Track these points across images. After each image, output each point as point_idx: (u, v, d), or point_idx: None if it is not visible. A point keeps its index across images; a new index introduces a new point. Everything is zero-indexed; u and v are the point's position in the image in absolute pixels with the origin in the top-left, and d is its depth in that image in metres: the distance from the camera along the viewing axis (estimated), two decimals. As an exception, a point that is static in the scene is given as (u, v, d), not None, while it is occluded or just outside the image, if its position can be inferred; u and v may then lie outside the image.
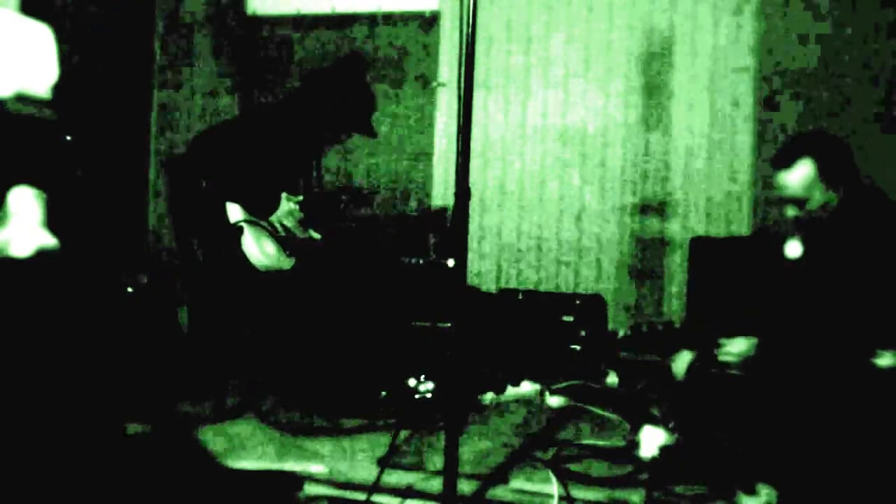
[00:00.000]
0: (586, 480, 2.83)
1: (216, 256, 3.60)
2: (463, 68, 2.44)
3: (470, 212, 2.48)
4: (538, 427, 3.51)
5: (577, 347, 4.22)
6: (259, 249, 3.62)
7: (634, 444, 2.98)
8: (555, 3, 5.12)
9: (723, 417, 2.94)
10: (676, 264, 4.93)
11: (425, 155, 5.40)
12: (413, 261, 4.30)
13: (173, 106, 5.77)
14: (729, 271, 4.27)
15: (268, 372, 3.74)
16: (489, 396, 3.89)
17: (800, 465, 2.63)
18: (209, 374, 3.66)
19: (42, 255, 2.84)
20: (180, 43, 5.75)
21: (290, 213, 3.74)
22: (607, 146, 5.07)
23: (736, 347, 2.95)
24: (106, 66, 5.28)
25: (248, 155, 3.64)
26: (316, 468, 2.93)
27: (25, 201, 2.87)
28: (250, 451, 3.08)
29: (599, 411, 3.66)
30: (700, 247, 4.58)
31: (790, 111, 4.74)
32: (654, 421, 3.03)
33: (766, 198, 4.71)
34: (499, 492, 2.78)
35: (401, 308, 3.96)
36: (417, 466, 2.93)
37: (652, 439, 2.95)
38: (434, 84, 5.31)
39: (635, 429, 3.03)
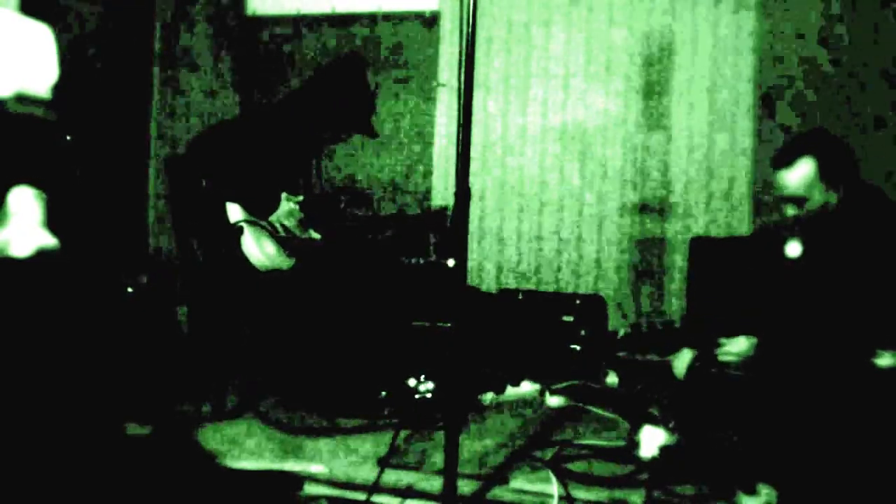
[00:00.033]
0: (586, 480, 2.83)
1: (216, 256, 3.60)
2: (463, 68, 2.44)
3: (470, 212, 2.48)
4: (538, 427, 3.51)
5: (577, 347, 4.22)
6: (259, 249, 3.62)
7: (634, 444, 2.98)
8: (555, 3, 5.12)
9: (723, 417, 2.94)
10: (676, 264, 4.93)
11: (425, 155, 5.40)
12: (413, 261, 4.29)
13: (173, 106, 5.76)
14: (729, 271, 4.27)
15: (268, 372, 3.74)
16: (489, 396, 3.89)
17: (800, 465, 2.63)
18: (209, 374, 3.66)
19: (42, 255, 2.84)
20: (180, 43, 5.75)
21: (290, 213, 3.74)
22: (607, 146, 5.07)
23: (736, 347, 2.95)
24: (106, 66, 5.28)
25: (248, 155, 3.64)
26: (316, 468, 2.92)
27: (25, 201, 2.87)
28: (250, 451, 3.08)
29: (599, 411, 3.66)
30: (700, 247, 4.58)
31: (790, 111, 4.74)
32: (654, 421, 3.02)
33: (764, 200, 4.72)
34: (499, 492, 2.78)
35: (401, 308, 3.96)
36: (417, 466, 2.93)
37: (652, 439, 2.94)
38: (434, 84, 5.31)
39: (635, 429, 3.03)
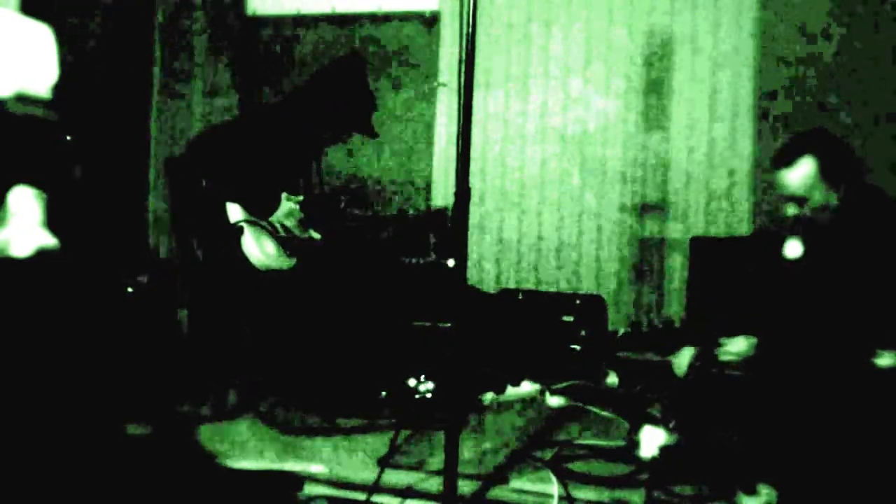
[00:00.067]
0: (586, 480, 2.83)
1: (216, 256, 3.60)
2: (463, 68, 2.44)
3: (470, 212, 2.48)
4: (538, 427, 3.51)
5: (577, 347, 4.22)
6: (259, 249, 3.62)
7: (634, 444, 2.98)
8: (555, 3, 5.12)
9: (723, 417, 2.94)
10: (676, 264, 4.93)
11: (425, 155, 5.40)
12: (413, 261, 4.29)
13: (173, 106, 5.76)
14: (729, 271, 4.27)
15: (268, 372, 3.74)
16: (489, 396, 3.89)
17: (800, 465, 2.63)
18: (209, 374, 3.66)
19: (42, 255, 2.84)
20: (180, 43, 5.75)
21: (291, 213, 3.74)
22: (607, 146, 5.06)
23: (736, 347, 2.95)
24: (106, 67, 5.28)
25: (248, 155, 3.64)
26: (316, 468, 2.92)
27: (25, 201, 2.87)
28: (250, 451, 3.08)
29: (599, 411, 3.66)
30: (700, 247, 4.58)
31: (791, 111, 4.74)
32: (654, 421, 3.03)
33: (764, 199, 4.72)
34: (499, 492, 2.78)
35: (401, 308, 3.96)
36: (417, 466, 2.93)
37: (652, 439, 2.94)
38: (434, 84, 5.31)
39: (635, 429, 3.03)
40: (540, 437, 3.34)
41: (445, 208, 5.16)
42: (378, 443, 3.14)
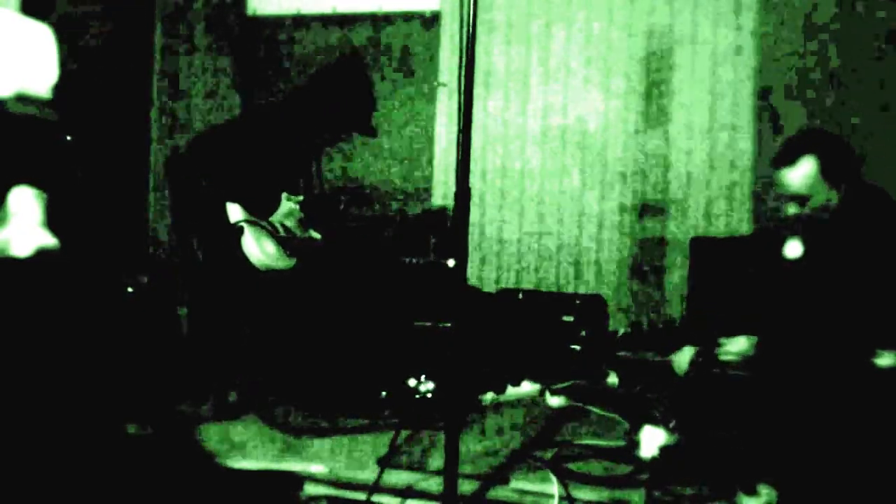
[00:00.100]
0: (586, 480, 2.83)
1: (216, 256, 3.60)
2: (463, 68, 2.44)
3: (470, 212, 2.48)
4: (538, 427, 3.50)
5: (577, 347, 4.22)
6: (259, 249, 3.62)
7: (634, 444, 2.98)
8: (555, 3, 5.12)
9: (723, 417, 2.94)
10: (676, 264, 4.93)
11: (425, 155, 5.40)
12: (413, 261, 4.29)
13: (173, 106, 5.76)
14: (729, 271, 4.27)
15: (268, 372, 3.74)
16: (489, 396, 3.89)
17: (800, 465, 2.63)
18: (209, 374, 3.66)
19: (42, 255, 2.84)
20: (180, 43, 5.75)
21: (291, 213, 3.74)
22: (607, 146, 5.07)
23: (736, 346, 2.95)
24: (106, 66, 5.28)
25: (248, 155, 3.64)
26: (316, 468, 2.92)
27: (25, 201, 2.87)
28: (250, 451, 3.08)
29: (599, 411, 3.66)
30: (700, 247, 4.58)
31: (791, 110, 4.74)
32: (654, 421, 3.02)
33: (765, 199, 4.72)
34: (499, 492, 2.78)
35: (401, 308, 3.96)
36: (417, 466, 2.93)
37: (652, 439, 2.94)
38: (434, 84, 5.31)
39: (635, 429, 3.03)
40: (540, 437, 3.34)
41: (445, 208, 5.17)
42: (378, 443, 3.14)
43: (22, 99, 3.02)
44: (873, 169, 3.21)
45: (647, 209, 4.99)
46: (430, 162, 5.37)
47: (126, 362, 3.51)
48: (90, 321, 3.18)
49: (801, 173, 2.85)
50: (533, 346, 4.23)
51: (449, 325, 2.46)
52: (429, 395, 3.59)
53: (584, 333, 4.23)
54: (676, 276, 4.93)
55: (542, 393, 3.92)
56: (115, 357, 3.38)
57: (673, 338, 3.22)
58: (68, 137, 3.15)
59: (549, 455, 3.05)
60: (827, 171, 2.84)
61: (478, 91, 2.67)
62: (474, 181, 4.38)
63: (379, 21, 5.47)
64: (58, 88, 3.15)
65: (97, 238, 3.63)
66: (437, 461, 2.88)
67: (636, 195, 5.01)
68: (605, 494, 2.73)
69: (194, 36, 5.73)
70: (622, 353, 4.20)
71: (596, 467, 2.96)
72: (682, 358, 3.07)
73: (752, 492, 2.61)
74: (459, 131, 2.42)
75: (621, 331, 3.97)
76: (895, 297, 2.71)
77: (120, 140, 5.43)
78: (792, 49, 4.74)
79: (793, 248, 2.95)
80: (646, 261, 5.01)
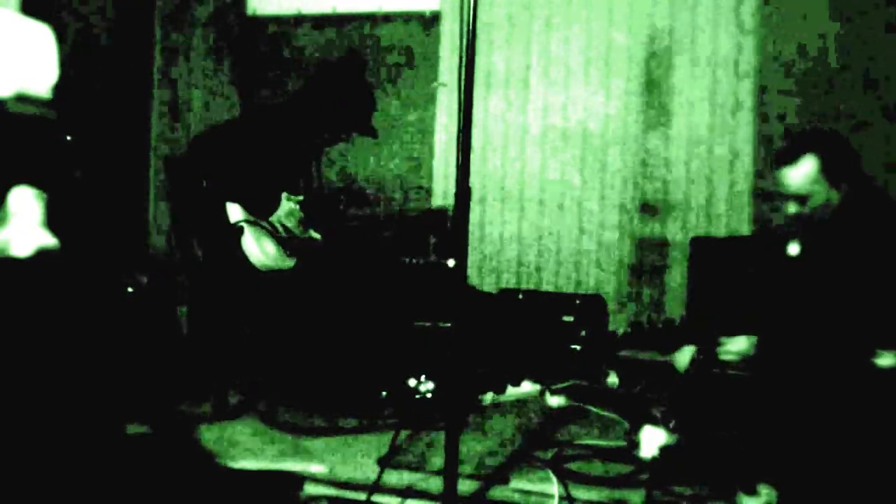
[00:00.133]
0: (586, 480, 2.83)
1: (216, 256, 3.60)
2: (463, 68, 2.44)
3: (470, 212, 2.48)
4: (538, 427, 3.51)
5: (577, 347, 4.22)
6: (259, 249, 3.62)
7: (634, 444, 2.98)
8: (555, 3, 5.12)
9: (723, 417, 2.94)
10: (677, 264, 4.93)
11: (425, 155, 5.40)
12: (413, 261, 4.29)
13: (173, 106, 5.76)
14: (729, 271, 4.27)
15: (268, 372, 3.74)
16: (489, 396, 3.89)
17: (800, 465, 2.63)
18: (209, 374, 3.66)
19: (42, 255, 2.83)
20: (180, 43, 5.75)
21: (291, 213, 3.74)
22: (607, 146, 5.07)
23: (736, 346, 2.95)
24: (106, 67, 5.28)
25: (248, 155, 3.64)
26: (316, 468, 2.92)
27: (25, 201, 2.86)
28: (250, 451, 3.08)
29: (599, 411, 3.66)
30: (700, 247, 4.58)
31: (792, 111, 4.74)
32: (654, 421, 3.02)
33: (765, 199, 4.72)
34: (499, 492, 2.78)
35: (401, 308, 3.96)
36: (417, 466, 2.93)
37: (652, 439, 2.94)
38: (434, 84, 5.31)
39: (635, 429, 3.03)
40: (540, 437, 3.34)
41: (445, 208, 5.16)
42: (378, 443, 3.14)
43: (22, 99, 3.02)
44: (874, 169, 3.21)
45: (648, 209, 5.00)
46: (430, 162, 5.37)
47: (126, 362, 3.51)
48: (90, 321, 3.18)
49: (801, 172, 2.85)
50: (533, 346, 4.23)
51: (449, 325, 2.46)
52: (429, 395, 3.59)
53: (584, 333, 4.23)
54: (676, 276, 4.93)
55: (542, 393, 3.92)
56: (115, 357, 3.38)
57: (673, 338, 3.21)
58: (68, 137, 3.15)
59: (549, 455, 3.05)
60: (827, 171, 2.84)
61: (478, 91, 2.67)
62: (474, 181, 4.37)
63: (379, 21, 5.47)
64: (58, 88, 3.15)
65: (97, 238, 3.63)
66: (437, 461, 2.88)
67: (636, 195, 5.01)
68: (605, 494, 2.73)
69: (194, 36, 5.73)
70: (622, 353, 4.20)
71: (596, 467, 2.97)
72: (683, 358, 3.07)
73: (752, 492, 2.61)
74: (459, 131, 2.42)
75: (621, 331, 3.96)
76: (895, 297, 2.71)
77: (120, 140, 5.43)
78: (792, 48, 4.74)
79: (793, 248, 2.95)
80: (646, 261, 5.01)
